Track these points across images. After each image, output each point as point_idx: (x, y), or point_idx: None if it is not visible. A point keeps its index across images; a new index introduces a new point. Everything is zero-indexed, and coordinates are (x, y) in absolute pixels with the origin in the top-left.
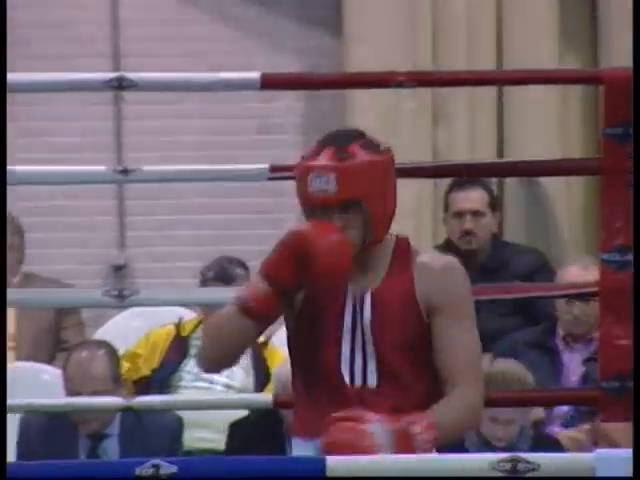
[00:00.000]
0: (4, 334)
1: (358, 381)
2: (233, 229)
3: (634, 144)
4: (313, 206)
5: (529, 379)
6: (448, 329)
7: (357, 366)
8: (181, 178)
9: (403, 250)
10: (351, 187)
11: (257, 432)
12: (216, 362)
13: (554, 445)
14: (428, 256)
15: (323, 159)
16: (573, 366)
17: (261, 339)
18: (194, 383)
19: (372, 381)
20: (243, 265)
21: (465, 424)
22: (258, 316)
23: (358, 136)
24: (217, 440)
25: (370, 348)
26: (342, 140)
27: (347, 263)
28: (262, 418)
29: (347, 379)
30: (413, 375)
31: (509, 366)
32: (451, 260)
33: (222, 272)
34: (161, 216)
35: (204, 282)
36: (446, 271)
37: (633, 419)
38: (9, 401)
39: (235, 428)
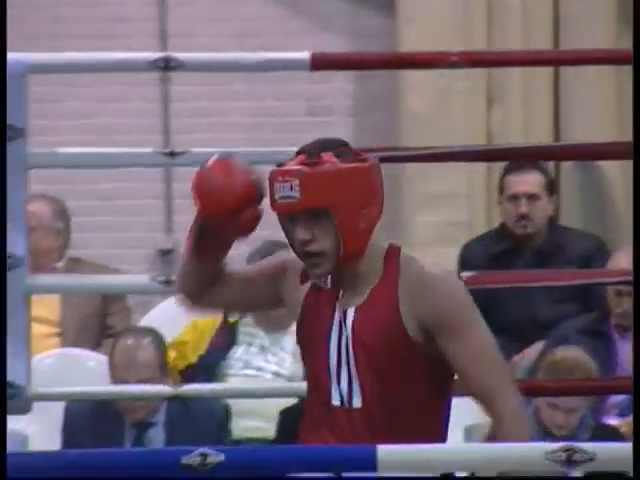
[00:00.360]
0: (4, 332)
1: (346, 402)
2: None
3: (634, 144)
4: (282, 215)
5: (592, 367)
6: (457, 352)
7: (343, 386)
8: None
9: (392, 262)
10: (316, 194)
11: None
12: (185, 300)
13: (614, 435)
14: (417, 270)
15: (291, 165)
16: (628, 354)
17: None
18: (242, 371)
19: (357, 403)
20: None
21: (523, 434)
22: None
23: (337, 145)
24: (266, 429)
25: (353, 368)
26: (317, 148)
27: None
28: None
29: (337, 400)
30: (400, 394)
31: (573, 354)
32: (439, 272)
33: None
34: None
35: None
36: (431, 286)
37: (633, 419)
38: (55, 389)
39: (285, 416)
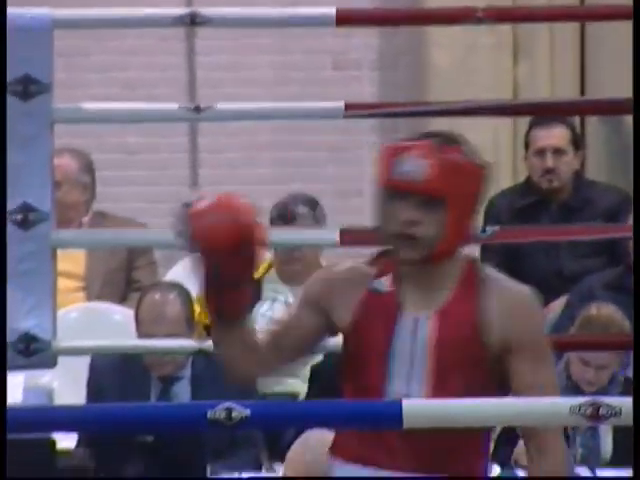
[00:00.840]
0: (4, 331)
1: None
2: (307, 167)
3: (634, 144)
4: (393, 190)
5: (626, 325)
6: (527, 374)
7: (401, 390)
8: (254, 116)
9: (471, 273)
10: (441, 181)
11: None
12: (242, 379)
13: None
14: (503, 285)
15: (419, 146)
16: None
17: None
18: (267, 327)
19: None
20: (311, 203)
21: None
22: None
23: (461, 142)
24: (292, 384)
25: (420, 374)
26: (444, 139)
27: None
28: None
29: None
30: None
31: (607, 310)
32: (530, 293)
33: (283, 211)
34: (234, 154)
35: (270, 221)
36: (525, 306)
37: (633, 418)
38: (80, 342)
39: (316, 372)
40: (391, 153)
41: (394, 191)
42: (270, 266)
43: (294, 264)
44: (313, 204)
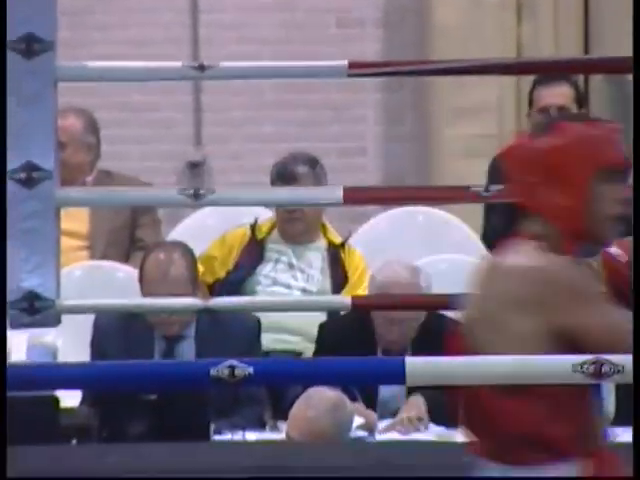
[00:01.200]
0: (4, 330)
1: None
2: (311, 126)
3: (634, 143)
4: (619, 169)
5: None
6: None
7: None
8: (258, 74)
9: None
10: None
11: (346, 334)
12: None
13: None
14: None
15: (614, 124)
16: None
17: (338, 240)
18: (271, 288)
19: None
20: (311, 162)
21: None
22: None
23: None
24: (295, 342)
25: None
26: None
27: None
28: (352, 320)
29: None
30: None
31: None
32: None
33: (283, 170)
34: (238, 112)
35: (271, 181)
36: None
37: (633, 417)
38: (84, 301)
39: (323, 330)
40: (605, 135)
41: (620, 170)
42: (273, 226)
43: (296, 224)
44: (313, 163)
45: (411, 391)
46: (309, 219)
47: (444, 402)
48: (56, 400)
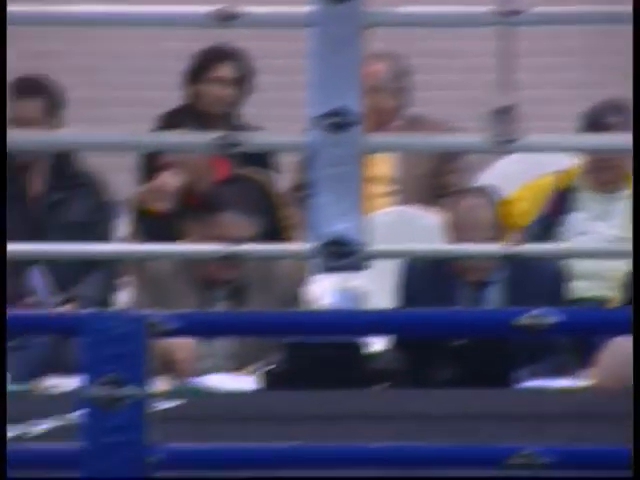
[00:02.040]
0: (4, 330)
1: None
2: (622, 72)
3: (634, 144)
4: None
5: None
6: None
7: None
8: (566, 20)
9: None
10: None
11: None
12: None
13: None
14: None
15: None
16: None
17: None
18: (579, 236)
19: None
20: (623, 110)
21: None
22: None
23: None
24: (601, 288)
25: None
26: None
27: None
28: None
29: None
30: None
31: None
32: None
33: (593, 119)
34: (546, 58)
35: (581, 129)
36: None
37: (633, 418)
38: (392, 246)
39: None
40: None
41: None
42: (579, 175)
43: (607, 172)
44: (624, 111)
45: None
46: (619, 168)
47: None
48: (360, 346)
